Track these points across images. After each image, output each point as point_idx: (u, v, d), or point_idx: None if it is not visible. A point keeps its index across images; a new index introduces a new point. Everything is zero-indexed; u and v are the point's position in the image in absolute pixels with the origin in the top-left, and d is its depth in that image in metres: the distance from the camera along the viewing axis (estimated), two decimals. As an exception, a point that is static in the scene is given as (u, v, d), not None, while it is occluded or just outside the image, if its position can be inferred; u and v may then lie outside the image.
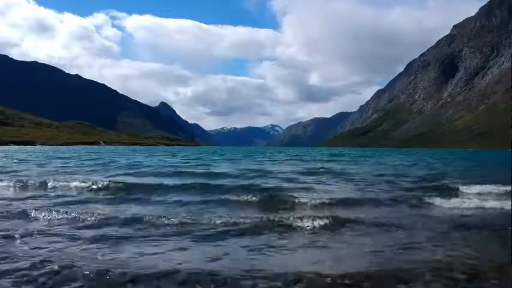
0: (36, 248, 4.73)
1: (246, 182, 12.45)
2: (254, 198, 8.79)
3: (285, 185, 12.17)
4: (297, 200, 8.46)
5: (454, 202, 8.26)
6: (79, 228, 5.84)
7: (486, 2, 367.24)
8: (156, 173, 16.08)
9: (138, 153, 48.97)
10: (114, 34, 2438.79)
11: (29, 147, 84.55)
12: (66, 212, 6.76)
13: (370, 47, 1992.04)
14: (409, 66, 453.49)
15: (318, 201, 8.34)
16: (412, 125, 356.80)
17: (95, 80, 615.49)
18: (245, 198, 8.85)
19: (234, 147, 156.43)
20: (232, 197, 9.03)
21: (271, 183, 12.50)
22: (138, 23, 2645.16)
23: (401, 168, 22.62)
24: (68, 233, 5.44)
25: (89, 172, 16.44)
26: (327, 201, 8.36)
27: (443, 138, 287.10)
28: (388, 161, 33.74)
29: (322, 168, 20.08)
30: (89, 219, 6.32)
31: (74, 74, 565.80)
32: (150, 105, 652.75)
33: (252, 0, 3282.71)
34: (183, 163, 25.21)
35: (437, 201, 8.35)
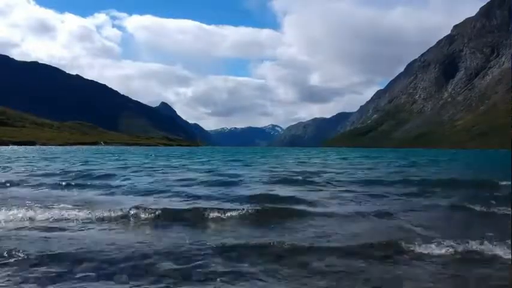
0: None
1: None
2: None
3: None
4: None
5: None
6: None
7: (486, 2, 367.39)
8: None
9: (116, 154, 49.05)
10: (114, 34, 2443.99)
11: (27, 148, 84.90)
12: None
13: (370, 47, 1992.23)
14: (410, 66, 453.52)
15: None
16: (413, 125, 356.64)
17: (95, 80, 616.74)
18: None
19: (230, 148, 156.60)
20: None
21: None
22: (138, 23, 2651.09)
23: (411, 174, 18.25)
24: None
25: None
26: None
27: (444, 138, 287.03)
28: (392, 164, 28.00)
29: (302, 174, 16.44)
30: None
31: (74, 74, 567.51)
32: (150, 105, 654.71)
33: (252, 0, 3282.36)
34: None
35: (497, 250, 4.91)
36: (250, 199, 9.22)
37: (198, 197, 9.50)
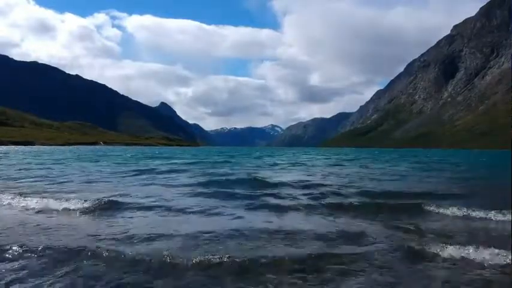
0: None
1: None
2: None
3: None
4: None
5: None
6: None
7: (486, 2, 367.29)
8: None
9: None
10: (114, 34, 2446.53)
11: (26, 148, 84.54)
12: None
13: (370, 47, 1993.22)
14: (410, 66, 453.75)
15: None
16: (413, 125, 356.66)
17: (95, 80, 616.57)
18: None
19: (227, 148, 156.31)
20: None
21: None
22: (138, 23, 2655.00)
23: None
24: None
25: None
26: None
27: (444, 138, 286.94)
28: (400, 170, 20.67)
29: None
30: None
31: (74, 74, 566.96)
32: (150, 105, 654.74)
33: (252, 0, 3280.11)
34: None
35: None
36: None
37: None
